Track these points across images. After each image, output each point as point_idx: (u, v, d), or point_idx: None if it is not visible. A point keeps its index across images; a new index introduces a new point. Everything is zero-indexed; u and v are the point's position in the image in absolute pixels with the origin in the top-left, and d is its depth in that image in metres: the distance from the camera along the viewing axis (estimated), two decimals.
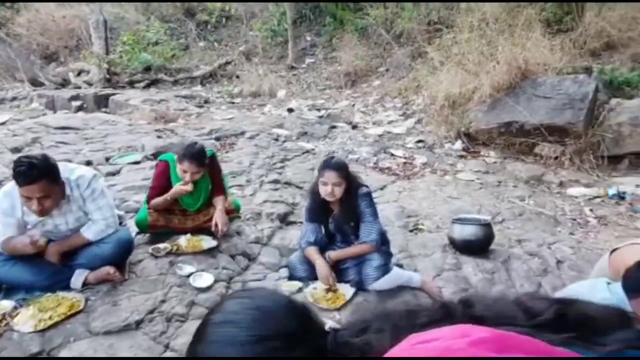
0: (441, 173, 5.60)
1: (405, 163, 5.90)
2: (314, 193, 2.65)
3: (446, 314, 0.64)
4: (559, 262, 3.37)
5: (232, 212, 3.11)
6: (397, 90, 8.41)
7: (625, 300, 1.84)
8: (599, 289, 1.91)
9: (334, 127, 7.16)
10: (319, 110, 8.43)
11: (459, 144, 6.29)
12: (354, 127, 7.23)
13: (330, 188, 2.50)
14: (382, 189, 4.90)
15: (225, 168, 4.41)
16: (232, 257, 2.84)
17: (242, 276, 2.71)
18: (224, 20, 12.23)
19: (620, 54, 5.96)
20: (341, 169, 2.55)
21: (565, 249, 3.60)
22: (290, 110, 8.36)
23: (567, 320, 0.60)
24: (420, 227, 3.93)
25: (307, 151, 5.90)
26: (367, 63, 9.47)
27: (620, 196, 4.90)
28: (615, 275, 2.05)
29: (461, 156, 6.11)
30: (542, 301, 0.66)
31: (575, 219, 4.61)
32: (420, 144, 6.49)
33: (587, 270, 3.14)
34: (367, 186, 2.74)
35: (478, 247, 3.20)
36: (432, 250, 3.34)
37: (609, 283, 1.93)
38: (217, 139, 5.67)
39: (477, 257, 3.20)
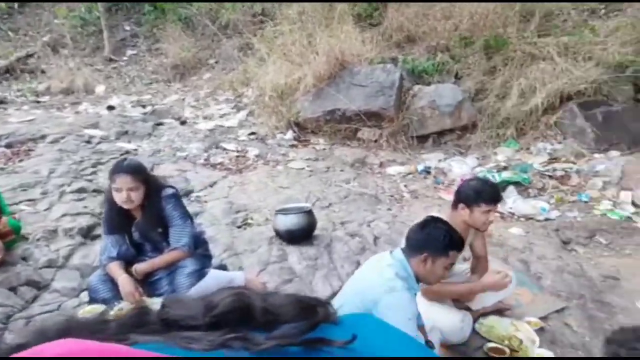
0: (273, 164, 5.62)
1: (238, 156, 5.78)
2: (110, 201, 2.32)
3: (139, 320, 0.53)
4: (376, 238, 3.64)
5: (9, 235, 2.57)
6: (228, 82, 8.20)
7: (405, 263, 2.01)
8: (384, 257, 2.06)
9: (160, 124, 6.64)
10: (144, 106, 7.75)
11: (290, 134, 6.40)
12: (183, 122, 6.82)
13: (126, 194, 2.21)
14: (212, 185, 4.69)
15: (15, 180, 3.69)
16: (13, 289, 2.34)
17: (26, 311, 2.25)
18: (16, 5, 10.39)
19: (418, 46, 6.74)
20: (136, 171, 2.27)
21: (382, 225, 3.90)
22: (110, 107, 7.49)
23: (237, 316, 0.52)
24: (249, 221, 3.85)
25: (128, 152, 5.33)
26: (194, 55, 9.03)
27: (427, 171, 5.56)
28: None
29: (293, 145, 6.23)
30: (225, 296, 0.57)
31: (392, 196, 5.08)
32: (252, 136, 6.43)
33: (400, 242, 3.46)
34: (172, 187, 2.51)
35: (301, 235, 3.24)
36: (259, 244, 3.28)
37: (392, 251, 2.09)
38: (8, 145, 4.74)
39: (302, 245, 3.25)
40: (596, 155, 5.51)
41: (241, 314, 0.52)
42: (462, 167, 5.59)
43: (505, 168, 5.53)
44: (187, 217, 2.48)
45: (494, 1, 6.49)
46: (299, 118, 6.36)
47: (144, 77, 9.37)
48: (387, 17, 6.94)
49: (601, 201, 4.82)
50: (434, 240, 1.94)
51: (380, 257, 2.18)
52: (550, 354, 2.39)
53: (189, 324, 0.51)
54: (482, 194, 2.31)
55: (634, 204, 4.72)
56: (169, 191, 2.43)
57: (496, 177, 5.26)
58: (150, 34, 10.06)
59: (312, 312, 0.54)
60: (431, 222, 2.02)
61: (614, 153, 5.50)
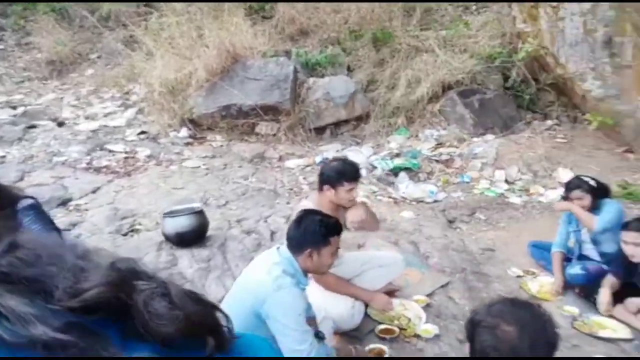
0: (167, 164, 5.32)
1: (126, 158, 5.37)
2: None
3: None
4: (273, 233, 3.60)
5: None
6: (113, 79, 7.58)
7: (292, 259, 2.01)
8: (271, 255, 2.04)
9: (33, 126, 5.94)
10: (14, 107, 6.88)
11: (184, 132, 6.11)
12: (61, 124, 6.17)
13: None
14: (94, 192, 4.30)
15: None
16: None
17: None
18: None
19: (311, 39, 6.81)
20: None
21: (279, 220, 3.87)
22: None
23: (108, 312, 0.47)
24: (137, 227, 3.59)
25: None
26: (72, 49, 8.21)
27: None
28: None
29: (188, 144, 5.95)
30: (99, 283, 0.48)
31: (292, 189, 5.08)
32: (143, 136, 6.02)
33: None
34: (32, 197, 2.23)
35: (192, 237, 3.10)
36: (146, 251, 3.07)
37: (278, 247, 2.07)
38: None
39: (193, 248, 3.10)
40: (475, 139, 6.02)
41: (113, 312, 0.46)
42: (358, 157, 5.75)
43: (397, 155, 5.81)
44: (52, 229, 2.21)
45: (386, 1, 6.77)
46: (193, 114, 6.09)
47: (14, 74, 8.31)
48: (279, 10, 6.90)
49: (480, 181, 5.28)
50: (312, 234, 1.95)
51: (267, 254, 2.15)
52: (435, 328, 2.54)
53: (42, 289, 0.44)
54: (344, 173, 2.41)
55: (506, 181, 5.24)
56: (26, 202, 2.14)
57: (390, 164, 5.52)
58: (19, 27, 8.95)
59: (201, 336, 0.50)
60: (304, 217, 2.03)
61: (489, 136, 6.05)
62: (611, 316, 2.74)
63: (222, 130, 6.20)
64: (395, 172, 5.42)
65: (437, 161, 5.69)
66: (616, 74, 5.27)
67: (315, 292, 2.31)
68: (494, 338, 1.18)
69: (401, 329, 2.52)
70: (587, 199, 2.96)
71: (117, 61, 8.02)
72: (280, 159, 5.85)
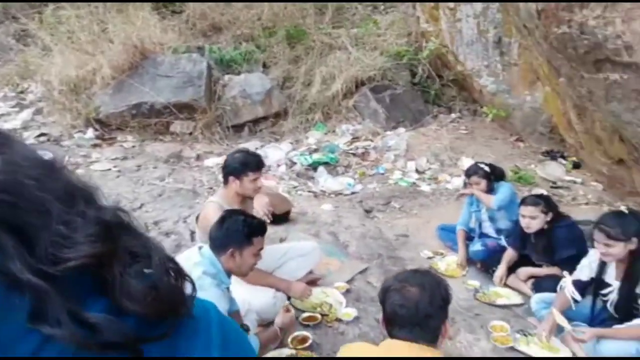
0: (73, 167, 4.95)
1: None
2: None
3: None
4: (192, 233, 3.53)
5: None
6: (5, 76, 6.88)
7: (214, 260, 2.00)
8: (192, 255, 2.02)
9: None
10: None
11: (91, 132, 5.73)
12: None
13: None
14: None
15: None
16: None
17: None
18: None
19: (224, 35, 6.71)
20: None
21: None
22: None
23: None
24: None
25: None
26: None
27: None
28: (205, 236, 2.24)
29: (96, 145, 5.60)
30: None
31: (211, 188, 4.99)
32: (43, 138, 5.55)
33: None
34: None
35: None
36: None
37: (200, 247, 2.06)
38: None
39: None
40: (388, 132, 6.35)
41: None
42: (277, 153, 5.82)
43: (316, 150, 5.95)
44: None
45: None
46: (99, 114, 5.73)
47: None
48: (189, 5, 6.70)
49: (394, 172, 5.59)
50: (235, 234, 1.96)
51: (188, 254, 2.12)
52: (354, 311, 2.68)
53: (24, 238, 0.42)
54: (247, 164, 2.46)
55: (417, 171, 5.60)
56: None
57: (308, 159, 5.64)
58: None
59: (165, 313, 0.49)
60: (228, 217, 2.03)
61: (401, 130, 6.41)
62: (507, 285, 3.09)
63: (133, 130, 5.90)
64: (314, 166, 5.55)
65: (353, 155, 5.91)
66: (506, 71, 5.86)
67: (237, 286, 2.32)
68: (401, 297, 1.43)
69: (323, 315, 2.63)
70: (484, 183, 3.32)
71: (9, 57, 7.28)
72: (198, 157, 5.71)
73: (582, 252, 2.66)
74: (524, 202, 2.98)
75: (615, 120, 3.32)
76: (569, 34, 2.93)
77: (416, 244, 3.84)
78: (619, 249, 2.22)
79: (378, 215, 4.59)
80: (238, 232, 1.98)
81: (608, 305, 2.41)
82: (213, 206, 2.45)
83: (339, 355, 1.56)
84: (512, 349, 2.45)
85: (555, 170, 5.38)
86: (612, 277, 2.40)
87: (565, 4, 2.79)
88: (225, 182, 2.52)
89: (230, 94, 6.06)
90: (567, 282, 2.48)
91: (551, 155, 5.65)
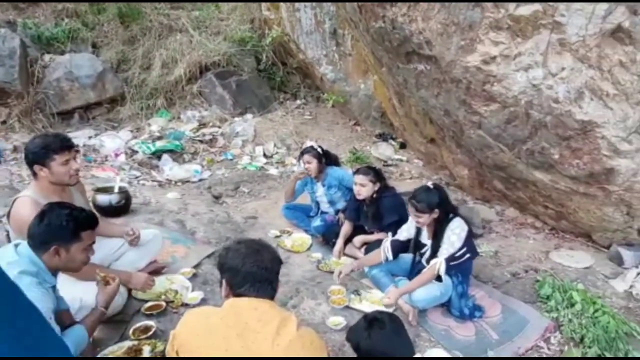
0: None
1: None
2: None
3: None
4: (8, 233, 3.08)
5: None
6: None
7: (35, 258, 1.81)
8: (6, 254, 1.79)
9: None
10: None
11: None
12: None
13: None
14: None
15: None
16: None
17: None
18: None
19: (42, 9, 5.87)
20: None
21: None
22: None
23: None
24: None
25: None
26: None
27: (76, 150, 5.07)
28: (20, 234, 2.00)
29: None
30: None
31: None
32: None
33: None
34: None
35: None
36: None
37: (17, 245, 1.84)
38: None
39: None
40: (236, 118, 6.37)
41: None
42: (115, 141, 5.38)
43: (159, 138, 5.66)
44: None
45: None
46: None
47: None
48: None
49: (242, 157, 5.65)
50: (58, 230, 1.78)
51: (1, 253, 1.86)
52: (201, 294, 2.68)
53: None
54: (48, 146, 2.15)
55: (265, 155, 5.76)
56: None
57: (151, 147, 5.34)
58: None
59: None
60: (49, 211, 1.82)
61: (248, 116, 6.49)
62: (345, 254, 3.42)
63: None
64: (158, 154, 5.29)
65: (200, 141, 5.80)
66: (342, 60, 6.35)
67: (67, 283, 2.13)
68: (233, 253, 1.62)
69: (168, 302, 2.57)
70: (315, 162, 3.62)
71: None
72: (16, 149, 4.96)
73: (404, 218, 3.08)
74: (357, 171, 3.35)
75: (424, 105, 3.90)
76: (384, 28, 3.32)
77: (264, 225, 3.98)
78: (426, 218, 2.66)
79: (227, 200, 4.61)
80: (62, 228, 1.80)
81: (423, 260, 2.86)
82: (26, 201, 2.16)
83: (182, 320, 1.54)
84: (348, 307, 2.75)
85: (386, 150, 6.07)
86: (426, 237, 2.86)
87: (377, 2, 3.16)
88: (35, 175, 2.20)
89: (53, 77, 5.37)
90: (387, 242, 2.88)
91: (383, 137, 6.35)
